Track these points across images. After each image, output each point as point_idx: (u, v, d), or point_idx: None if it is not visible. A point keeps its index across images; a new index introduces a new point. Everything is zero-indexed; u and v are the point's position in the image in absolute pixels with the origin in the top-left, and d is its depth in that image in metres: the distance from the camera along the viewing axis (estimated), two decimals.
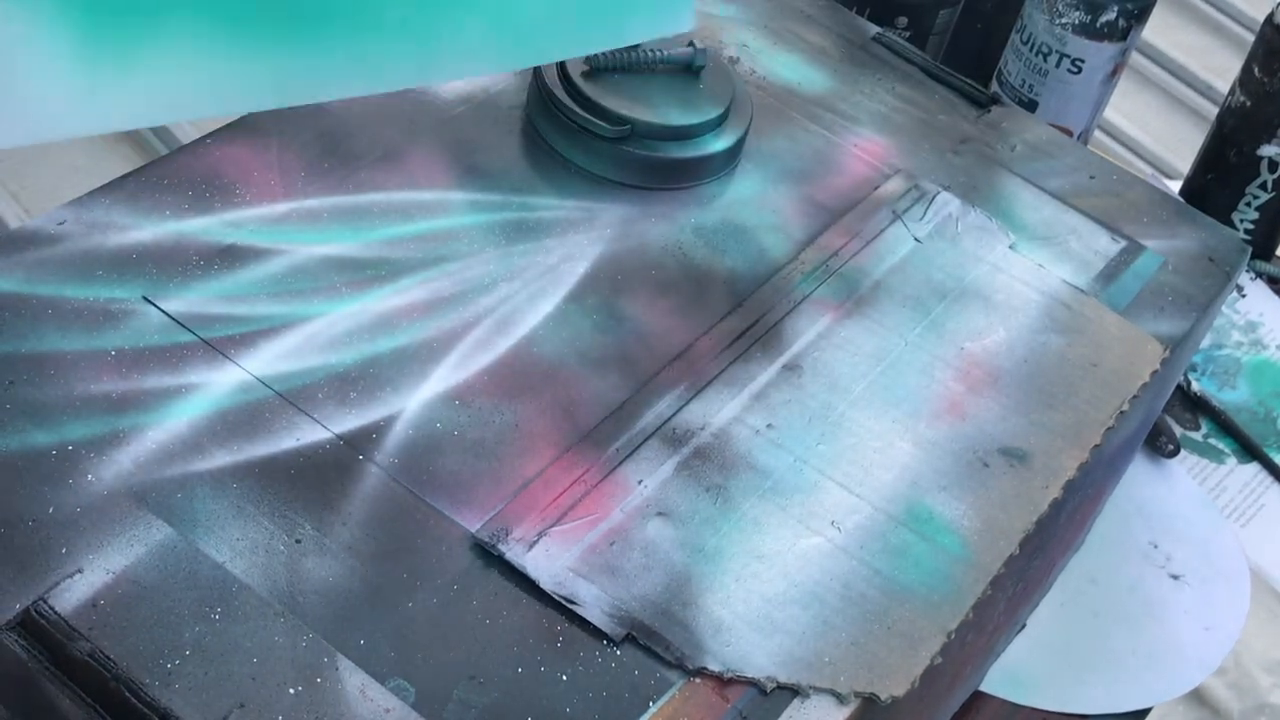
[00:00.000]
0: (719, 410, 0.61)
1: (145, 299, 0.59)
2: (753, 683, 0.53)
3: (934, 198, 0.74)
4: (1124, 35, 0.92)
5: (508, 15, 0.54)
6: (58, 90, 0.47)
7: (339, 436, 0.57)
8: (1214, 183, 1.00)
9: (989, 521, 0.60)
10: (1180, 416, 0.93)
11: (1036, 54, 0.93)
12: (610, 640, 0.53)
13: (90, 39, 0.47)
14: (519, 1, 0.54)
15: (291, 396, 0.57)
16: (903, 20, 0.97)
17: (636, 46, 0.71)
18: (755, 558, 0.56)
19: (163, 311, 0.59)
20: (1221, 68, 1.68)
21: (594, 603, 0.54)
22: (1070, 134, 0.96)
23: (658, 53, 0.71)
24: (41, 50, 0.47)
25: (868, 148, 0.76)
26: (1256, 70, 0.95)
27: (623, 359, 0.63)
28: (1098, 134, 1.58)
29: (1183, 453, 0.91)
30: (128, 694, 0.48)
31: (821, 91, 0.79)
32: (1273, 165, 0.97)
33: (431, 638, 0.52)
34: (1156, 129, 1.67)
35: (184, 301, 0.59)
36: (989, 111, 0.80)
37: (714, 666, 0.53)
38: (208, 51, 0.45)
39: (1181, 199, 0.88)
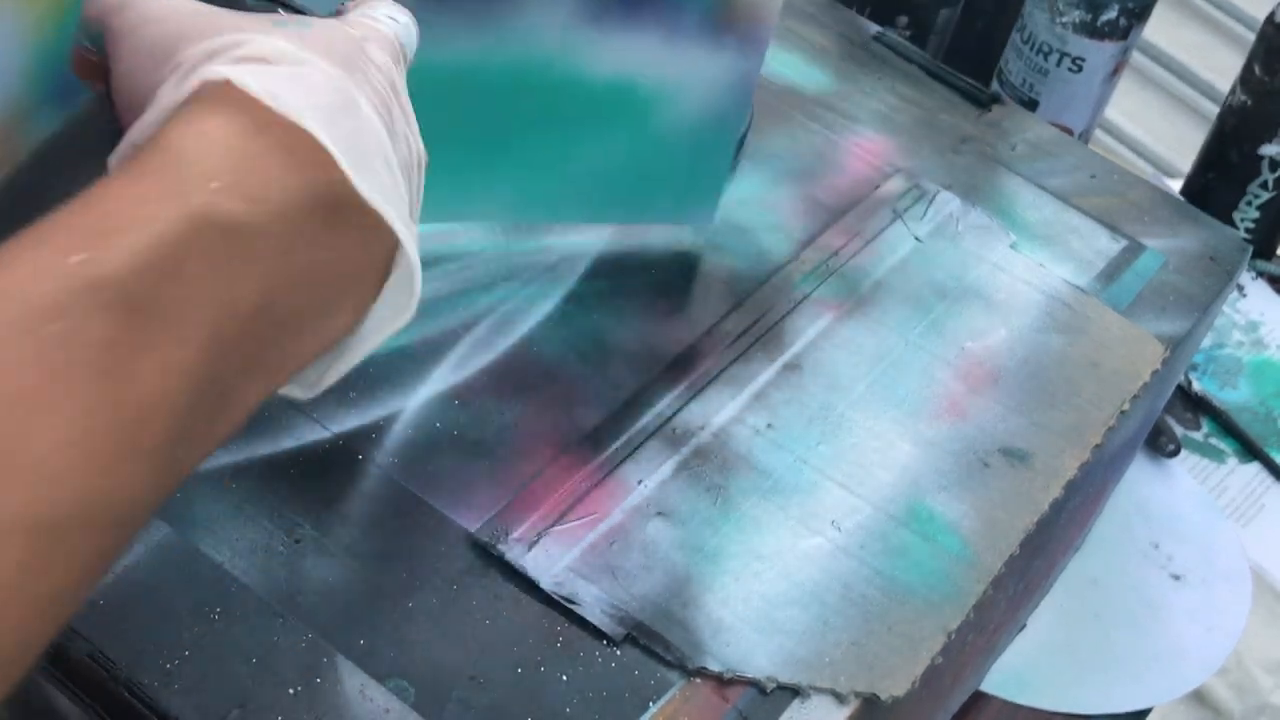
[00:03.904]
0: (719, 410, 0.61)
1: None
2: (753, 683, 0.52)
3: (934, 197, 0.74)
4: (1125, 34, 0.92)
5: (535, 183, 0.64)
6: None
7: (338, 436, 0.57)
8: (1215, 182, 1.00)
9: (989, 521, 0.60)
10: (1181, 416, 0.93)
11: (1037, 53, 0.93)
12: (610, 640, 0.53)
13: None
14: (549, 173, 0.64)
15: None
16: (903, 19, 0.96)
17: None
18: (755, 558, 0.56)
19: None
20: (1223, 66, 1.68)
21: (594, 603, 0.53)
22: (1071, 133, 0.96)
23: None
24: None
25: (868, 147, 0.76)
26: (1257, 69, 0.95)
27: (623, 359, 0.62)
28: (1099, 133, 1.58)
29: (1183, 452, 0.90)
30: (128, 694, 0.48)
31: (822, 90, 0.79)
32: (1274, 164, 0.97)
33: (431, 638, 0.51)
34: (1157, 128, 1.67)
35: None
36: (990, 110, 0.80)
37: (714, 667, 0.52)
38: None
39: (1182, 198, 0.88)
